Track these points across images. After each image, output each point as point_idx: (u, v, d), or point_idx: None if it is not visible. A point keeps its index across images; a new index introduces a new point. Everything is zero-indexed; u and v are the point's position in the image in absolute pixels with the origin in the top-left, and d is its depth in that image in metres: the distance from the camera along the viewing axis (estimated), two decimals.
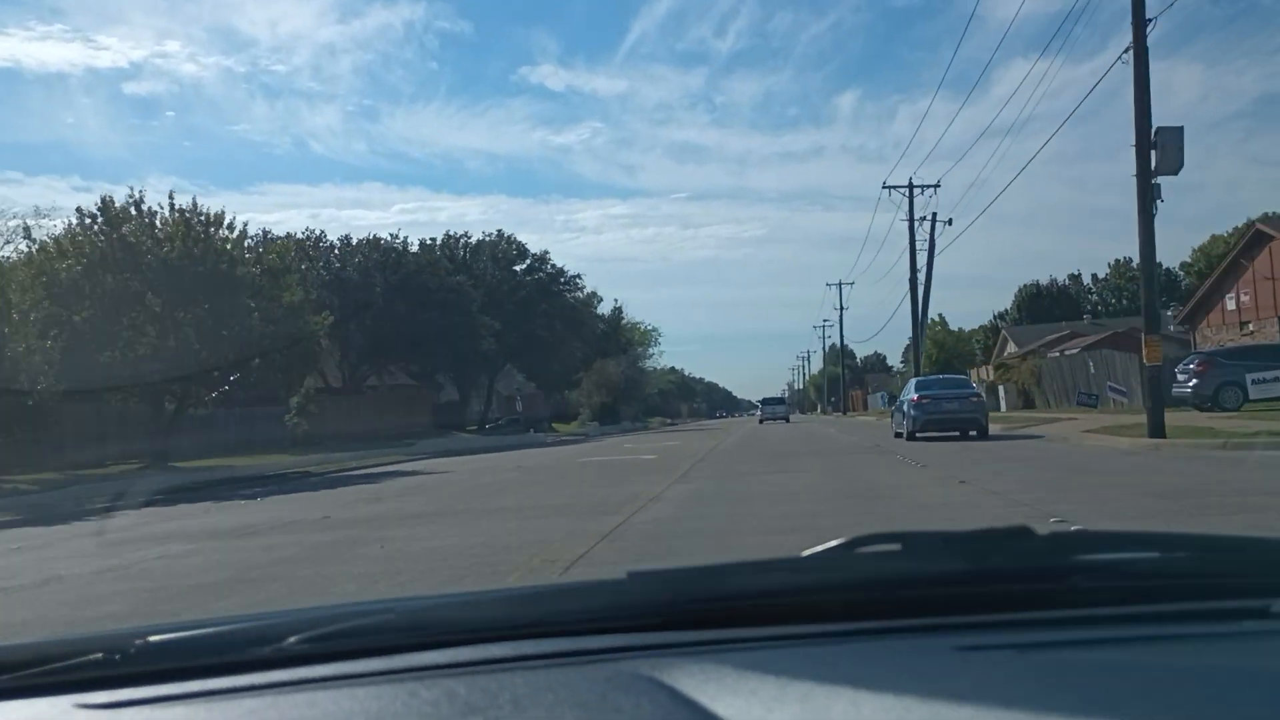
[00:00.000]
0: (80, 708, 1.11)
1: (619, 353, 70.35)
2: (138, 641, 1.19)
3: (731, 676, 1.06)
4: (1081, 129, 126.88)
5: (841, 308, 70.32)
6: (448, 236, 53.16)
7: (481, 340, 42.11)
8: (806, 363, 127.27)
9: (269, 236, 35.48)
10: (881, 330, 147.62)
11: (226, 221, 25.25)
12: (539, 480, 14.16)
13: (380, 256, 41.16)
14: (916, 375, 30.10)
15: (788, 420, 55.70)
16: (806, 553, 1.35)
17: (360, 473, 18.80)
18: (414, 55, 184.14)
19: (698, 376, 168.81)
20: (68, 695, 1.13)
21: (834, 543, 1.35)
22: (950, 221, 39.47)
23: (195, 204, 25.65)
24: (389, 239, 41.61)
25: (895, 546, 1.31)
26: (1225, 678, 1.06)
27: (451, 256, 49.88)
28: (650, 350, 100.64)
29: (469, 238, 53.36)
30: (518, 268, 55.29)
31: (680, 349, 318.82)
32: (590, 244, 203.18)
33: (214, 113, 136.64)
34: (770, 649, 1.15)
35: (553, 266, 56.67)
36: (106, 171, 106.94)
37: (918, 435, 19.77)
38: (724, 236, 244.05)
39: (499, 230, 55.62)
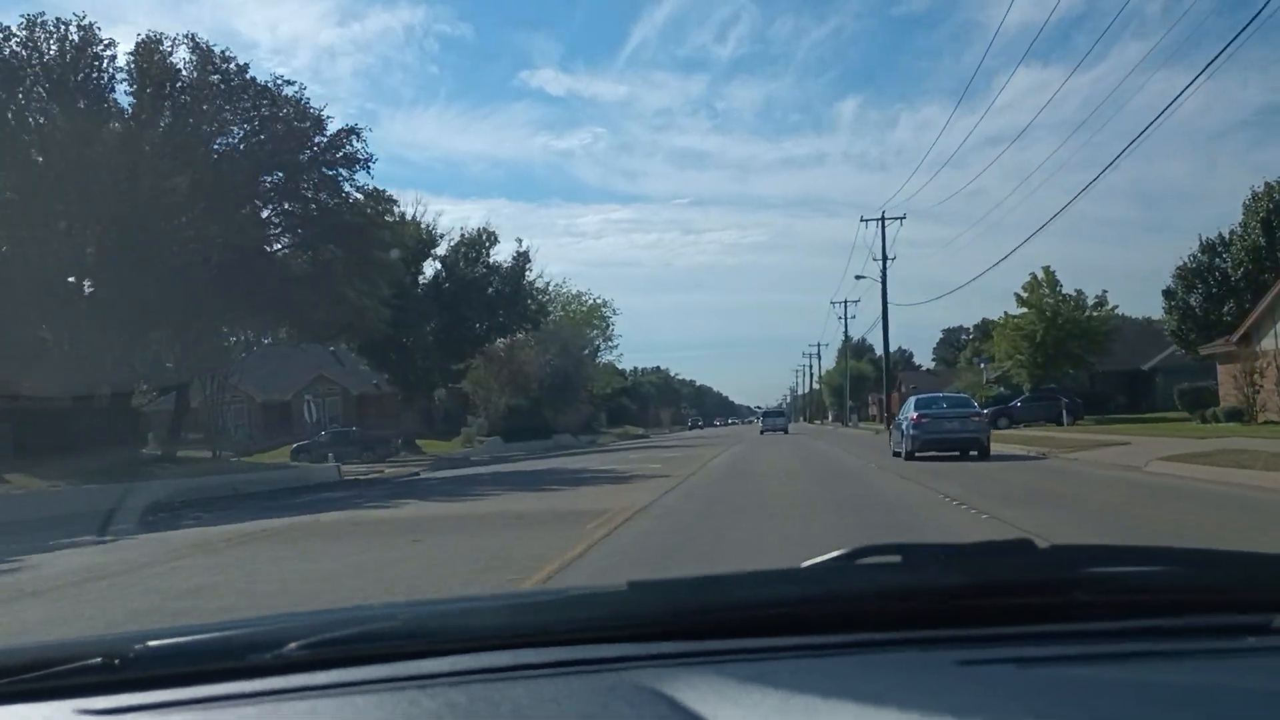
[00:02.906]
0: (80, 713, 1.17)
1: (525, 324, 54.17)
2: (137, 646, 1.25)
3: (733, 688, 1.13)
4: (1082, 137, 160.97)
5: (885, 257, 54.44)
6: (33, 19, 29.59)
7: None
8: (817, 359, 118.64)
9: None
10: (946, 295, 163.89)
11: None
12: None
13: None
14: None
15: (786, 431, 64.54)
16: (807, 564, 1.41)
17: None
18: (414, 59, 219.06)
19: (687, 379, 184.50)
20: (68, 700, 1.19)
21: (835, 554, 1.41)
22: None
23: None
24: None
25: (896, 558, 1.37)
26: (1227, 695, 1.13)
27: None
28: (607, 332, 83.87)
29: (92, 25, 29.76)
30: (244, 114, 31.33)
31: (680, 354, 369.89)
32: (591, 249, 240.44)
33: None
34: (772, 660, 1.23)
35: (314, 109, 32.04)
36: None
37: (917, 455, 22.71)
38: (726, 243, 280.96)
39: (190, 34, 31.33)
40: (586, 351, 77.54)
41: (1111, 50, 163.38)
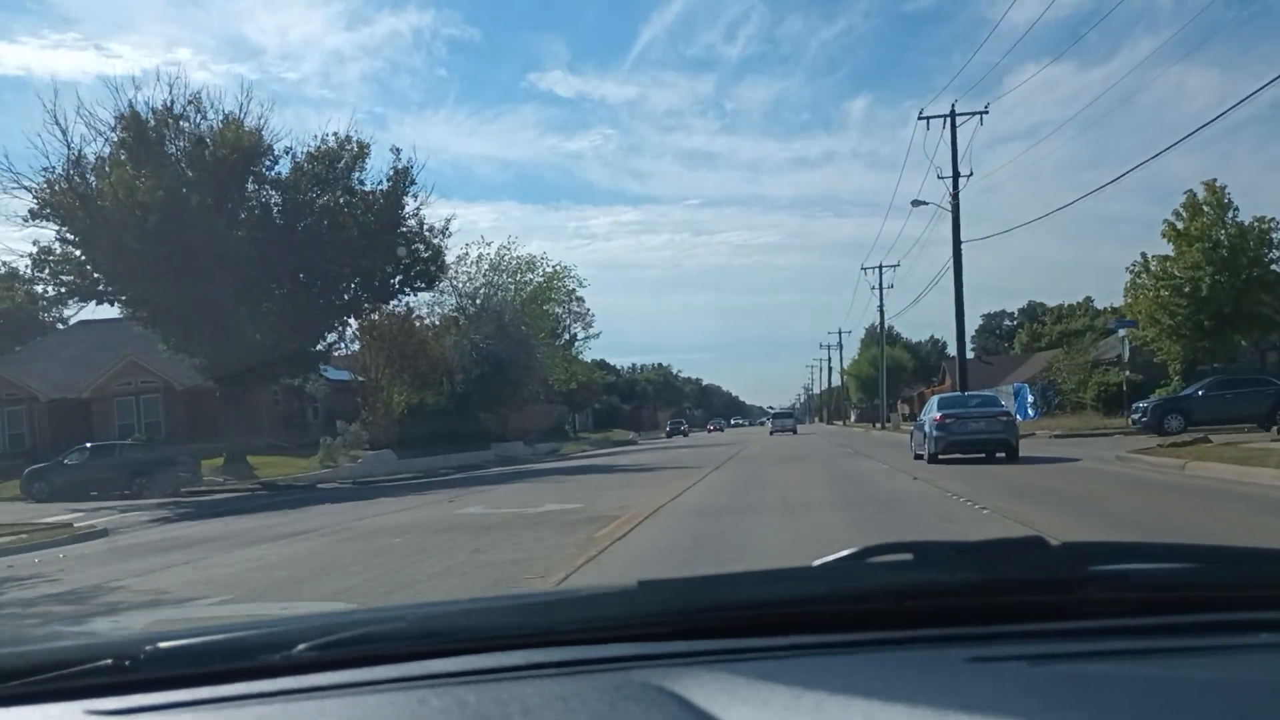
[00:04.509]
0: (90, 714, 1.18)
1: (417, 284, 37.11)
2: (147, 648, 1.27)
3: (743, 686, 1.14)
4: (1092, 135, 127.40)
5: (956, 173, 36.48)
6: None
7: None
8: (838, 349, 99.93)
9: None
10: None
11: None
12: None
13: None
14: None
15: (794, 431, 65.78)
16: (817, 562, 1.43)
17: None
18: (422, 62, 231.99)
19: (693, 376, 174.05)
20: (78, 701, 1.21)
21: (845, 552, 1.43)
22: None
23: None
24: None
25: (907, 556, 1.39)
26: (1241, 691, 1.14)
27: None
28: (586, 317, 61.04)
29: None
30: None
31: (691, 356, 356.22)
32: (601, 250, 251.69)
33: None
34: (782, 659, 1.26)
35: None
36: None
37: (940, 458, 22.23)
38: (736, 243, 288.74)
39: None
40: (563, 340, 61.00)
41: (1124, 45, 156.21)
